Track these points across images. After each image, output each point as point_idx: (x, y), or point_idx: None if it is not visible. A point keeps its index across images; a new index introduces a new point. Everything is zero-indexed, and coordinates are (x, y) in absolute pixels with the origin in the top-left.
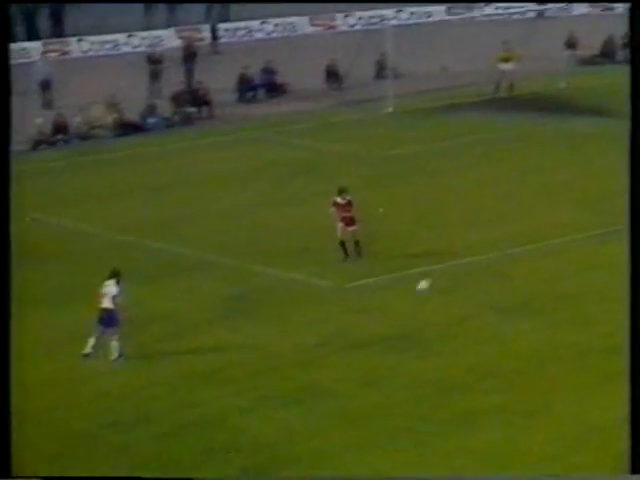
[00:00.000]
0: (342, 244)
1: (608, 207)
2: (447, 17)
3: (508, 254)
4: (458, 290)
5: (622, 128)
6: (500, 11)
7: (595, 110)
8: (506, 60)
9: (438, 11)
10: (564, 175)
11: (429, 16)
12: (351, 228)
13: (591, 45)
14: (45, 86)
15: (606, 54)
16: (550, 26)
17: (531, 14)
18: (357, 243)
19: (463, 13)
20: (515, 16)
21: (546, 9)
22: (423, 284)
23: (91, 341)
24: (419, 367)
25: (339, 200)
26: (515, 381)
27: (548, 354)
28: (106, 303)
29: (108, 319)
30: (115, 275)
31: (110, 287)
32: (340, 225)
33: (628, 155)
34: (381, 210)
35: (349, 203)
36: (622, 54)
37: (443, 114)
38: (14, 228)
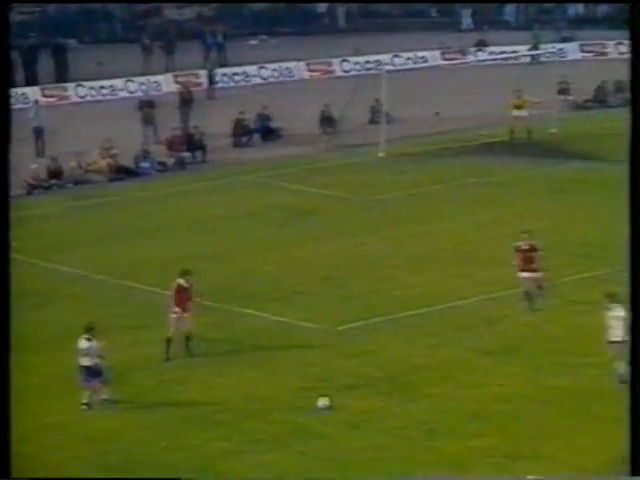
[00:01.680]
0: (170, 341)
1: (596, 250)
2: (442, 62)
3: (497, 297)
4: (446, 333)
5: (613, 172)
6: (494, 56)
7: (586, 155)
8: (519, 107)
9: (433, 56)
10: (554, 219)
11: (425, 61)
12: (186, 314)
13: (584, 90)
14: (38, 133)
15: (598, 99)
16: (543, 71)
17: (525, 59)
18: (188, 337)
19: (457, 58)
20: (509, 61)
21: (540, 54)
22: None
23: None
24: (407, 410)
25: (183, 283)
26: (503, 424)
27: (535, 397)
28: (83, 361)
29: (90, 375)
30: (89, 330)
31: (84, 342)
32: (175, 317)
33: (628, 157)
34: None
35: (192, 287)
36: (614, 99)
37: (435, 159)
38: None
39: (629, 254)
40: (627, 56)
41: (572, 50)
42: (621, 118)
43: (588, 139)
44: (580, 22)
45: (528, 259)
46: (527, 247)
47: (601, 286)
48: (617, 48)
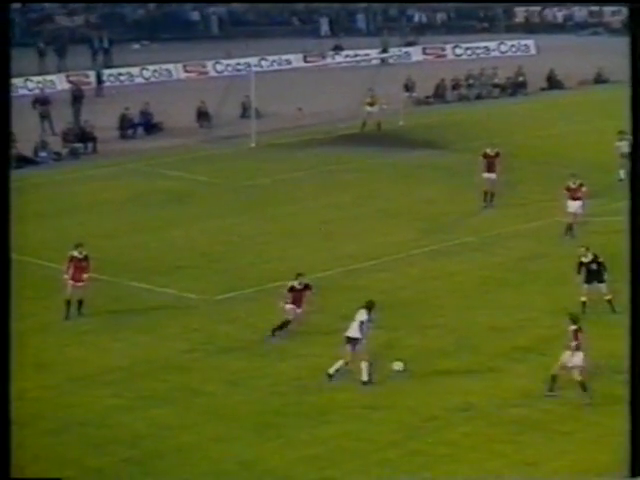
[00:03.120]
0: (68, 303)
1: (436, 227)
2: (304, 64)
3: (355, 269)
4: (313, 301)
5: (451, 158)
6: (349, 59)
7: (429, 144)
8: (371, 104)
9: (296, 59)
10: (400, 200)
11: (289, 63)
12: (80, 284)
13: (425, 88)
14: None
15: (438, 95)
16: (391, 72)
17: (375, 61)
18: (81, 302)
19: (317, 61)
20: (362, 63)
21: (388, 57)
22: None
23: None
24: (279, 369)
25: (76, 254)
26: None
27: (389, 354)
28: None
29: None
30: None
31: None
32: (71, 283)
33: (629, 156)
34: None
35: (86, 258)
36: (451, 95)
37: (298, 149)
38: None
39: (629, 254)
40: (463, 57)
41: (415, 53)
42: (457, 112)
43: (430, 130)
44: (422, 28)
45: (299, 297)
46: (301, 287)
47: (440, 257)
48: (454, 50)
